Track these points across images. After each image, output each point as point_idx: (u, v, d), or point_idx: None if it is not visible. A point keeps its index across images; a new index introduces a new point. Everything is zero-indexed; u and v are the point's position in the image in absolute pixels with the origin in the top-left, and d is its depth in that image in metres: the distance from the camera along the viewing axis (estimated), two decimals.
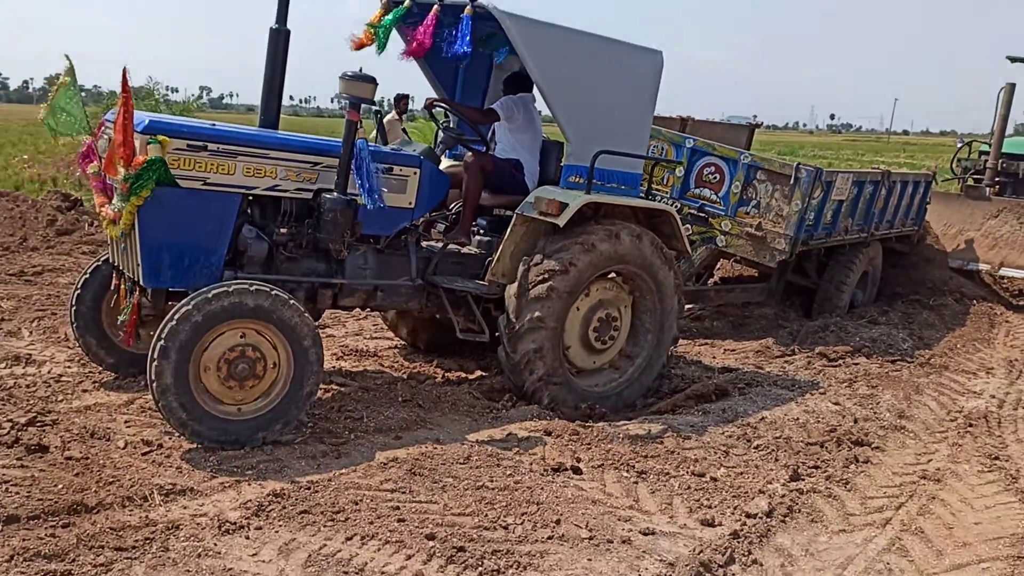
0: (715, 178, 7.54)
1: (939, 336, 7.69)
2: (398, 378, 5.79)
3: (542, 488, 4.12)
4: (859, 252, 8.59)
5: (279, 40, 5.00)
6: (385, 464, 4.30)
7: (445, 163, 6.07)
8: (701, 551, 3.58)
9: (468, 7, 5.05)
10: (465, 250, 5.71)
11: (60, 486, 3.85)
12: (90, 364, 5.42)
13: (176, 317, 4.24)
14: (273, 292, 4.44)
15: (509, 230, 5.42)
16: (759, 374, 6.39)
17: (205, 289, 4.35)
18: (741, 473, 4.52)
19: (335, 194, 4.90)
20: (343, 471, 4.21)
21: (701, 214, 7.54)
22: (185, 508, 3.76)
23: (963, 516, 4.11)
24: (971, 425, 5.35)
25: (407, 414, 5.05)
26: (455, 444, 4.62)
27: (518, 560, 3.46)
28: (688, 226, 7.39)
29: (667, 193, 7.62)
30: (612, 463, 4.50)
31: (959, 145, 11.98)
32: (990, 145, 10.70)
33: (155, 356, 4.21)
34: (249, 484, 4.04)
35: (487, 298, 5.52)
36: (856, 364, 6.69)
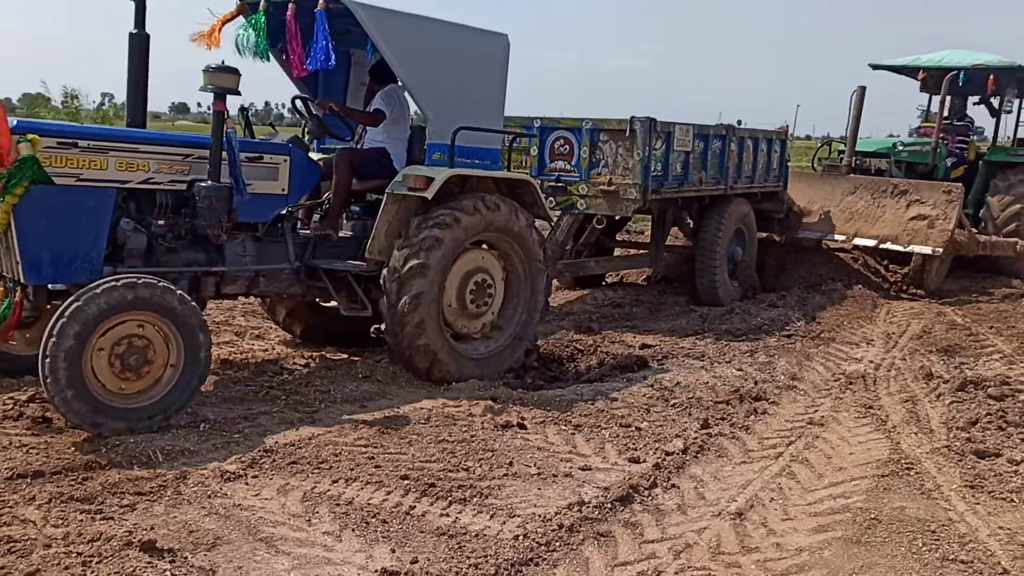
0: (566, 149, 8.20)
1: (829, 315, 8.69)
2: (356, 358, 6.41)
3: (494, 440, 4.83)
4: (725, 209, 9.26)
5: (139, 44, 5.18)
6: (356, 425, 4.94)
7: (315, 156, 6.37)
8: (630, 479, 4.34)
9: (321, 2, 5.41)
10: (342, 233, 6.09)
11: (72, 449, 4.38)
12: None
13: (67, 313, 4.35)
14: (161, 284, 4.64)
15: (381, 209, 5.76)
16: (674, 349, 7.23)
17: (94, 284, 4.48)
18: (661, 424, 5.31)
19: (209, 182, 5.16)
20: (319, 432, 4.83)
21: (559, 184, 8.14)
22: (186, 464, 4.32)
23: (840, 449, 4.98)
24: (851, 383, 6.28)
25: (369, 387, 5.70)
26: (415, 410, 5.30)
27: (480, 492, 4.15)
28: (550, 198, 8.02)
29: (527, 173, 8.07)
30: (551, 420, 5.24)
31: (819, 145, 13.31)
32: (846, 145, 11.89)
33: (47, 352, 4.31)
34: (238, 445, 4.61)
35: (366, 276, 5.89)
36: (757, 339, 7.61)
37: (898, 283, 10.86)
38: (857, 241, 10.53)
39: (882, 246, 10.32)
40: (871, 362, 6.93)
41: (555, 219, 8.44)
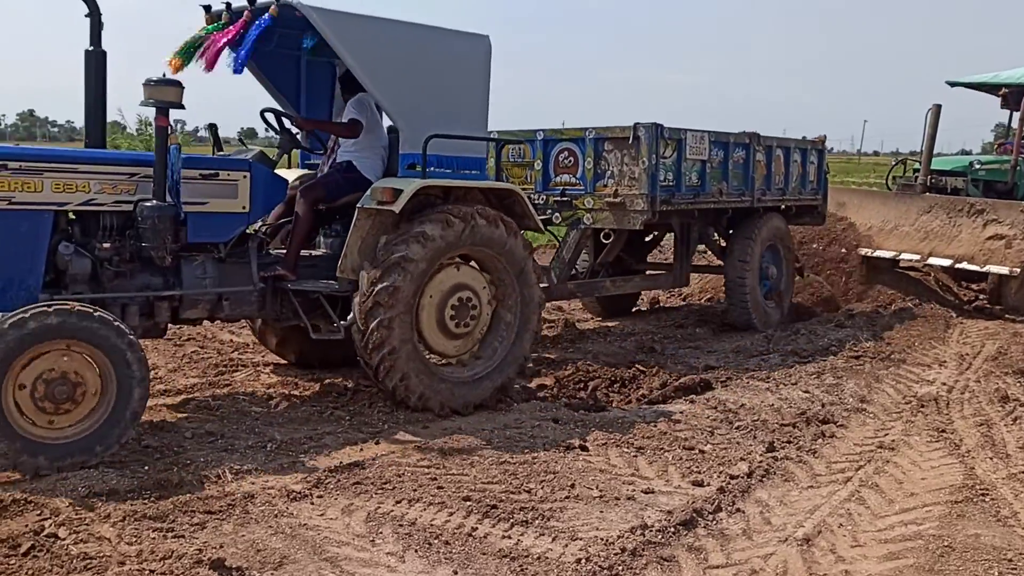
0: (570, 161, 7.81)
1: (899, 336, 8.47)
2: None
3: (556, 462, 4.82)
4: (755, 224, 8.76)
5: (95, 62, 5.05)
6: (419, 446, 4.99)
7: (296, 173, 6.30)
8: (694, 503, 4.29)
9: (273, 7, 5.22)
10: (317, 252, 5.90)
11: (147, 467, 4.52)
12: None
13: None
14: (96, 313, 4.39)
15: (353, 225, 5.44)
16: (739, 370, 7.13)
17: (23, 309, 4.26)
18: (725, 447, 5.24)
19: (153, 202, 4.91)
20: (383, 453, 4.89)
21: (564, 198, 7.75)
22: (253, 483, 4.41)
23: (912, 474, 4.84)
24: (923, 406, 6.11)
25: None
26: (477, 431, 5.33)
27: (542, 514, 4.15)
28: (557, 214, 7.80)
29: (532, 189, 7.94)
30: (614, 442, 5.21)
31: (894, 163, 12.96)
32: (920, 163, 11.59)
33: None
34: (304, 465, 4.70)
35: (341, 296, 5.58)
36: (824, 360, 7.46)
37: (972, 302, 10.56)
38: (932, 260, 10.27)
39: (958, 266, 10.04)
40: (944, 384, 6.73)
41: (563, 235, 8.20)
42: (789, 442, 5.35)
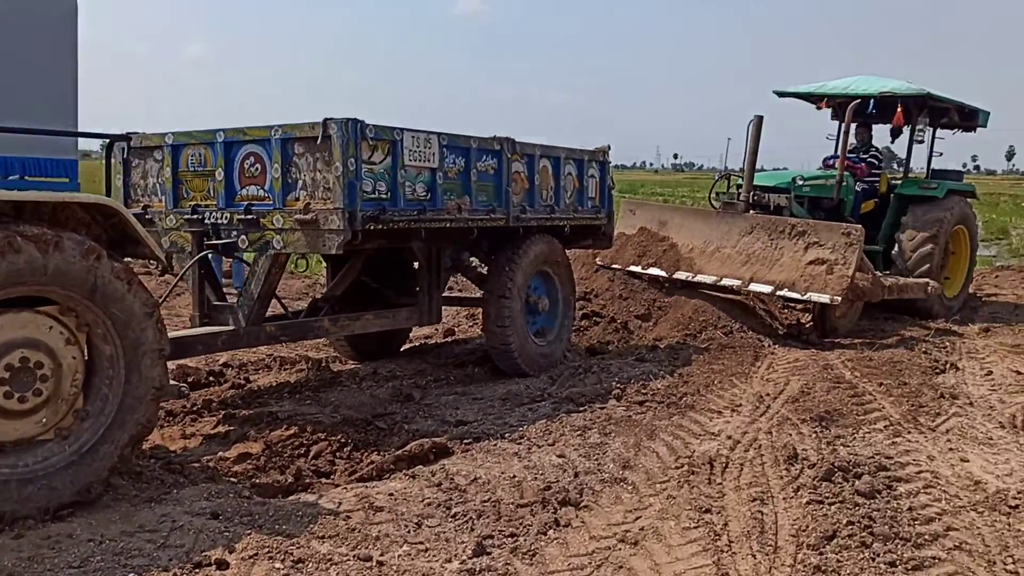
0: (257, 169, 6.08)
1: (699, 371, 7.48)
2: None
3: None
4: (518, 247, 7.39)
5: None
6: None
7: None
8: None
9: None
10: None
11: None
12: None
13: None
14: None
15: None
16: (496, 425, 5.92)
17: None
18: (424, 550, 3.96)
19: None
20: None
21: (250, 216, 5.99)
22: None
23: None
24: (693, 473, 5.00)
25: None
26: (86, 539, 3.88)
27: None
28: (243, 236, 6.12)
29: (215, 205, 6.20)
30: (268, 552, 3.84)
31: (716, 178, 12.07)
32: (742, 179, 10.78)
33: None
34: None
35: None
36: (602, 407, 6.33)
37: (796, 325, 9.79)
38: (753, 287, 9.41)
39: (779, 293, 9.20)
40: (729, 438, 5.68)
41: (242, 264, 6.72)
42: (512, 535, 4.13)
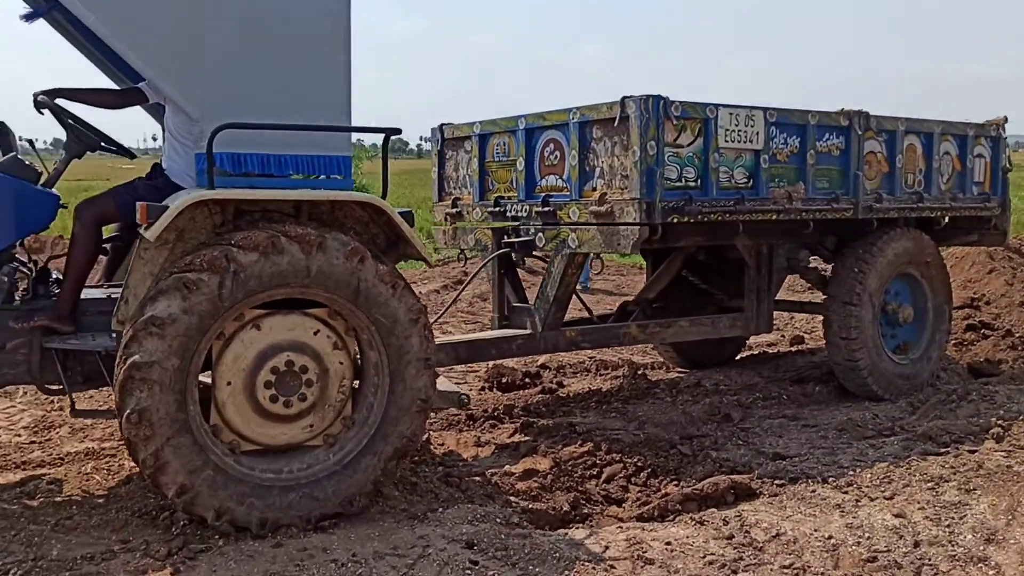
0: (556, 157, 5.54)
1: None
2: None
3: None
4: (872, 244, 6.15)
5: None
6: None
7: None
8: None
9: None
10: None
11: None
12: None
13: None
14: None
15: (132, 259, 3.99)
16: (820, 464, 4.86)
17: None
18: None
19: None
20: None
21: (547, 208, 5.50)
22: None
23: None
24: None
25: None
26: (326, 560, 3.69)
27: None
28: (540, 233, 5.51)
29: (515, 197, 5.79)
30: None
31: None
32: None
33: None
34: None
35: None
36: (973, 452, 4.95)
37: None
38: None
39: None
40: None
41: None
42: None
